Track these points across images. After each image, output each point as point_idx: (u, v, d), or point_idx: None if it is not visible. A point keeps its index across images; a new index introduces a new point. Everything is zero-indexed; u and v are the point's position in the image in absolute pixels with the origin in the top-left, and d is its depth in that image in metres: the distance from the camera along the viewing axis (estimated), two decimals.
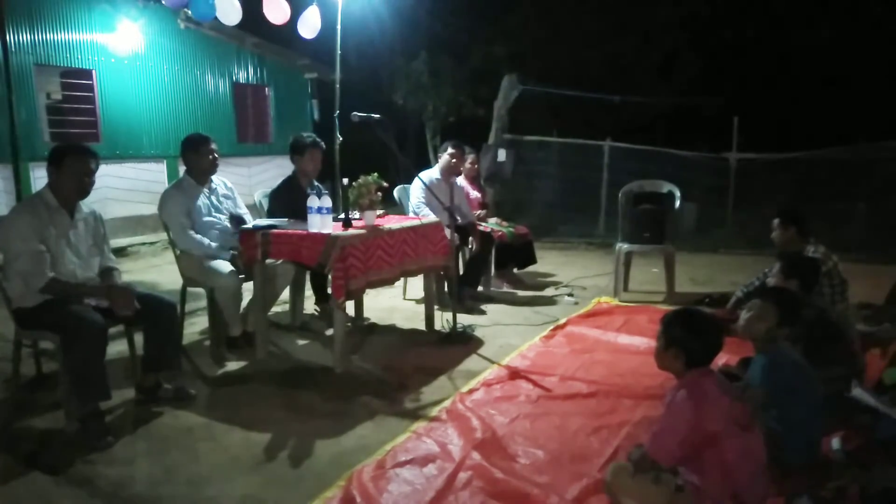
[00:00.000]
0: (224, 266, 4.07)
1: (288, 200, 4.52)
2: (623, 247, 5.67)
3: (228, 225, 4.37)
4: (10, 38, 6.05)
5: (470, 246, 5.70)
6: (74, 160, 3.17)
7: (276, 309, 4.79)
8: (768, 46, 14.12)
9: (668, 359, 2.19)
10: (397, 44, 14.20)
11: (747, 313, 2.63)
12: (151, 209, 4.41)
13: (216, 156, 4.29)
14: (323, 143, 4.79)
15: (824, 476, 2.47)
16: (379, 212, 4.24)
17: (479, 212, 6.09)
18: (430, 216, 4.93)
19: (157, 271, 7.20)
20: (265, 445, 2.96)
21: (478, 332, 4.61)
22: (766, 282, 3.90)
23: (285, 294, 4.65)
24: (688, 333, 2.16)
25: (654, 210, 5.58)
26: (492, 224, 6.02)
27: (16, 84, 6.02)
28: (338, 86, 6.65)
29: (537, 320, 5.00)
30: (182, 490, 2.59)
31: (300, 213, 4.04)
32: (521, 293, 5.92)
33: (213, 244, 4.17)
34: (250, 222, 4.29)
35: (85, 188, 3.23)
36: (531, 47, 13.93)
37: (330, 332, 4.50)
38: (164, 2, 5.67)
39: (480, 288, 5.73)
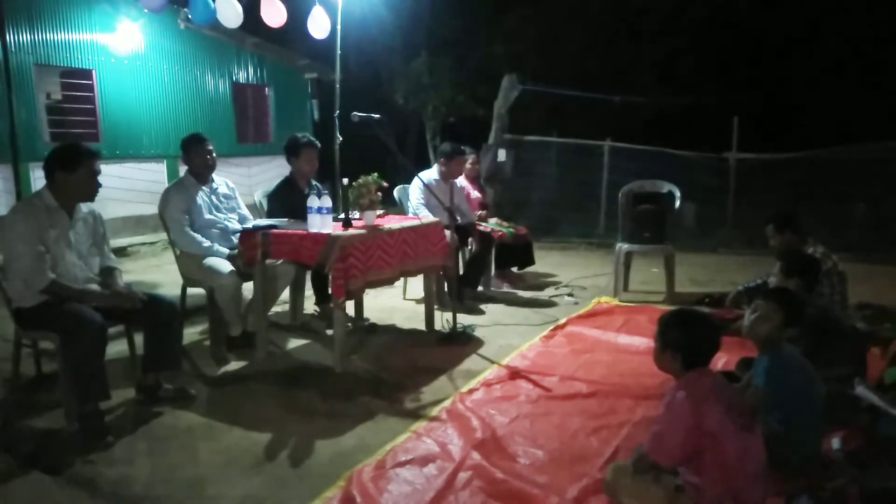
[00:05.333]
0: (224, 266, 4.07)
1: (286, 202, 4.53)
2: (623, 247, 5.67)
3: (229, 225, 4.38)
4: (10, 38, 6.04)
5: (470, 246, 5.71)
6: (91, 163, 3.16)
7: (276, 309, 4.79)
8: (768, 46, 14.12)
9: (666, 360, 2.19)
10: (397, 44, 14.21)
11: (752, 314, 2.63)
12: (151, 209, 4.42)
13: (212, 155, 4.34)
14: (318, 143, 4.78)
15: (824, 476, 2.47)
16: (379, 212, 4.24)
17: (479, 212, 6.09)
18: (429, 217, 4.93)
19: (157, 271, 7.20)
20: (265, 445, 2.96)
21: (478, 332, 4.61)
22: (768, 281, 3.90)
23: (285, 294, 4.65)
24: (684, 334, 2.16)
25: (654, 210, 5.57)
26: (492, 224, 6.01)
27: (16, 84, 6.03)
28: (338, 86, 6.65)
29: (537, 320, 5.00)
30: (182, 490, 2.59)
31: (299, 214, 4.05)
32: (521, 293, 5.92)
33: (210, 243, 4.17)
34: (251, 222, 4.30)
35: (96, 190, 3.24)
36: (531, 47, 13.93)
37: (330, 332, 4.50)
38: (142, 6, 5.71)
39: (480, 288, 5.73)
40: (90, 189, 3.21)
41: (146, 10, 6.29)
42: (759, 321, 2.59)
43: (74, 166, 3.13)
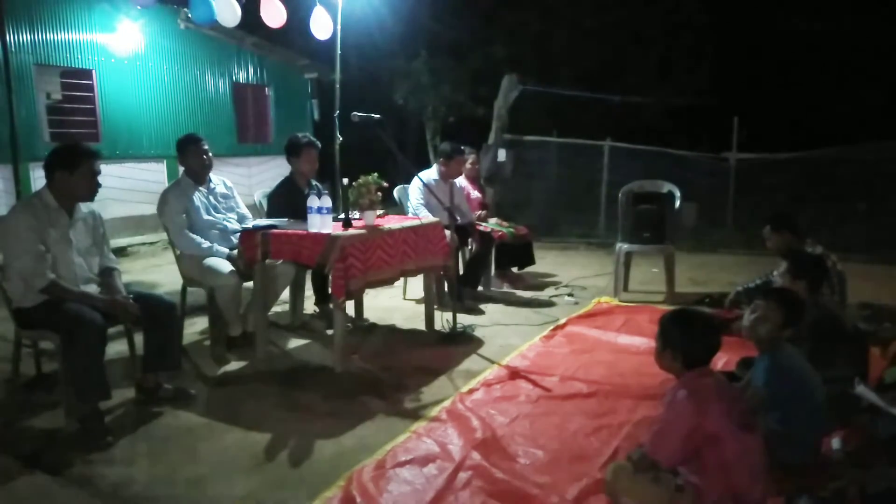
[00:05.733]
0: (224, 266, 4.07)
1: (286, 202, 4.52)
2: (623, 247, 5.67)
3: (228, 225, 4.38)
4: (10, 38, 6.04)
5: (470, 246, 5.70)
6: (90, 163, 3.16)
7: (276, 309, 4.79)
8: (768, 46, 14.13)
9: (667, 359, 2.19)
10: (397, 44, 14.19)
11: (751, 314, 2.63)
12: (151, 209, 4.42)
13: (208, 155, 4.32)
14: (318, 143, 4.78)
15: (824, 476, 2.47)
16: (379, 212, 4.24)
17: (479, 212, 6.09)
18: (429, 217, 4.93)
19: (157, 271, 7.20)
20: (265, 445, 2.96)
21: (478, 332, 4.61)
22: (773, 282, 3.89)
23: (285, 294, 4.65)
24: (685, 334, 2.16)
25: (653, 210, 5.57)
26: (492, 224, 6.01)
27: (16, 84, 6.02)
28: (338, 86, 6.66)
29: (537, 320, 5.00)
30: (182, 490, 2.59)
31: (299, 214, 4.05)
32: (521, 293, 5.92)
33: (209, 243, 4.17)
34: (250, 222, 4.30)
35: (96, 190, 3.24)
36: (531, 47, 13.93)
37: (330, 332, 4.50)
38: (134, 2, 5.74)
39: (480, 288, 5.73)
40: (90, 189, 3.21)
41: (138, 7, 6.29)
42: (758, 321, 2.59)
43: (74, 166, 3.13)
